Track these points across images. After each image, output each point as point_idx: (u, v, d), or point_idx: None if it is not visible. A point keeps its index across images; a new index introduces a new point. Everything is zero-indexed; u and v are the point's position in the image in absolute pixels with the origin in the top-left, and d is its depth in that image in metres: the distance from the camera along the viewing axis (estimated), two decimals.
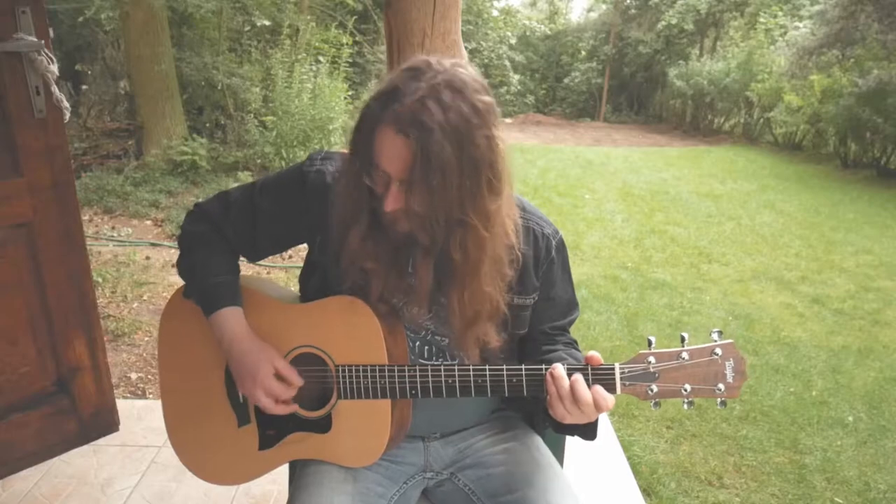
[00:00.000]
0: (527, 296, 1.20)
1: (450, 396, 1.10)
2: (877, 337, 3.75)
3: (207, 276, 1.19)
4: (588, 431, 1.13)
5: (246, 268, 1.07)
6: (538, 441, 1.29)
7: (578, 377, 1.02)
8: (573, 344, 1.27)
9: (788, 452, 2.59)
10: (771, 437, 2.69)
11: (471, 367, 1.08)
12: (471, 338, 1.11)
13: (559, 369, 1.03)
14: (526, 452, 1.24)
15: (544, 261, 1.21)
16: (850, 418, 2.86)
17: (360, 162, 1.01)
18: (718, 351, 1.02)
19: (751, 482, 2.39)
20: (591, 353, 1.05)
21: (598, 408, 1.01)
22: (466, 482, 1.24)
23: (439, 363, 1.19)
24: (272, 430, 1.20)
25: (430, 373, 1.09)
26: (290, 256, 4.32)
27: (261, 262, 3.81)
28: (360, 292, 1.12)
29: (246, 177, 6.11)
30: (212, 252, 1.22)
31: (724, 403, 1.04)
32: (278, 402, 1.13)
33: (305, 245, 1.25)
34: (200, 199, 1.29)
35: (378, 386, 1.11)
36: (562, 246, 1.25)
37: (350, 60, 7.56)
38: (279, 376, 1.14)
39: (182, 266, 1.24)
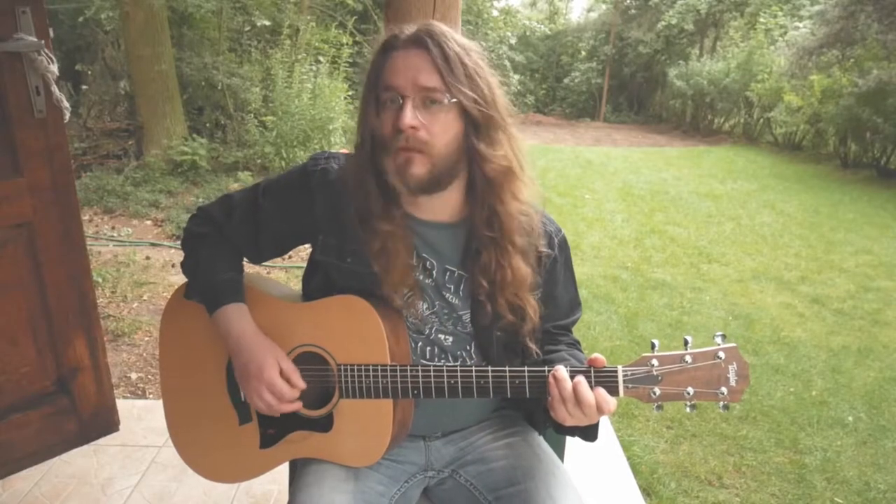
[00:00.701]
0: (531, 293, 1.20)
1: (452, 397, 1.10)
2: (877, 337, 3.75)
3: (211, 275, 1.19)
4: (589, 433, 1.12)
5: (246, 267, 1.09)
6: (539, 437, 1.29)
7: (581, 379, 1.01)
8: (576, 345, 1.27)
9: (788, 452, 2.59)
10: (771, 437, 2.69)
11: (473, 368, 1.08)
12: (513, 263, 1.12)
13: (562, 371, 1.02)
14: (527, 447, 1.24)
15: (547, 258, 1.21)
16: (850, 418, 2.86)
17: (372, 94, 1.06)
18: (722, 354, 1.02)
19: (751, 482, 2.39)
20: (595, 355, 1.04)
21: (600, 410, 1.01)
22: (468, 478, 1.24)
23: (441, 364, 1.19)
24: (273, 429, 1.20)
25: (432, 373, 1.09)
26: (290, 257, 4.32)
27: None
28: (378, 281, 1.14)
29: (246, 177, 6.11)
30: (215, 252, 1.22)
31: (726, 407, 1.04)
32: (282, 401, 1.13)
33: (307, 246, 1.25)
34: (201, 199, 1.31)
35: (380, 386, 1.11)
36: (564, 244, 1.25)
37: (350, 60, 7.56)
38: (283, 377, 1.13)
39: (186, 266, 1.24)
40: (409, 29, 1.07)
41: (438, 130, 1.04)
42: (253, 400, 1.14)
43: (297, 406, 1.15)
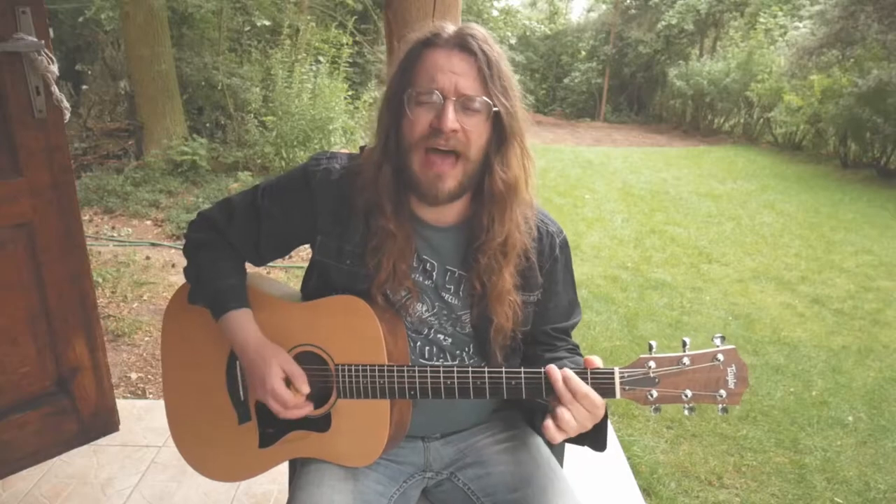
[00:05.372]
0: (530, 292, 1.20)
1: (448, 398, 1.10)
2: (877, 337, 3.75)
3: (214, 280, 1.19)
4: (598, 441, 1.11)
5: (247, 267, 1.11)
6: (538, 441, 1.29)
7: (569, 371, 1.01)
8: (576, 349, 1.27)
9: (788, 452, 2.59)
10: (771, 437, 2.69)
11: (469, 369, 1.08)
12: (506, 274, 1.13)
13: (554, 369, 1.02)
14: (526, 452, 1.24)
15: (549, 258, 1.21)
16: (850, 418, 2.86)
17: (403, 89, 1.05)
18: (720, 357, 1.01)
19: (751, 482, 2.39)
20: (589, 357, 1.04)
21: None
22: (466, 482, 1.24)
23: (439, 364, 1.19)
24: (272, 428, 1.21)
25: (428, 374, 1.09)
26: (291, 257, 4.32)
27: None
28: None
29: (246, 177, 6.11)
30: (217, 257, 1.22)
31: (725, 410, 1.03)
32: (286, 408, 1.12)
33: (308, 246, 1.25)
34: (201, 199, 1.31)
35: (377, 386, 1.11)
36: (565, 245, 1.25)
37: (350, 60, 7.56)
38: (288, 381, 1.13)
39: (188, 273, 1.24)
40: (450, 29, 1.07)
41: (475, 136, 1.05)
42: (267, 404, 1.14)
43: (306, 410, 1.14)
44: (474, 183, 1.10)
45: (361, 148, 1.21)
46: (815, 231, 6.01)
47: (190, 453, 1.30)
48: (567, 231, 1.26)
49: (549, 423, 1.01)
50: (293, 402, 1.12)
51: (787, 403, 2.95)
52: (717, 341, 1.02)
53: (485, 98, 1.04)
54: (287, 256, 1.35)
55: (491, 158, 1.08)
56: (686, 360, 1.01)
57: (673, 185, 7.98)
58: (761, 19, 12.93)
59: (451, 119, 1.01)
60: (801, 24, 11.74)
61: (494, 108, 1.04)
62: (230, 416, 1.23)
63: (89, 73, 7.89)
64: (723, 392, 1.01)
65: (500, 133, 1.07)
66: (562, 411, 1.00)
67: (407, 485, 1.24)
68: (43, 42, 1.83)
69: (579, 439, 1.11)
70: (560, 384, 1.01)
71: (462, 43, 1.04)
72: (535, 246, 1.18)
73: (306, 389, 1.13)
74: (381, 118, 1.11)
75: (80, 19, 7.07)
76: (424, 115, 1.04)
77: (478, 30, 1.07)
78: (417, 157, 1.06)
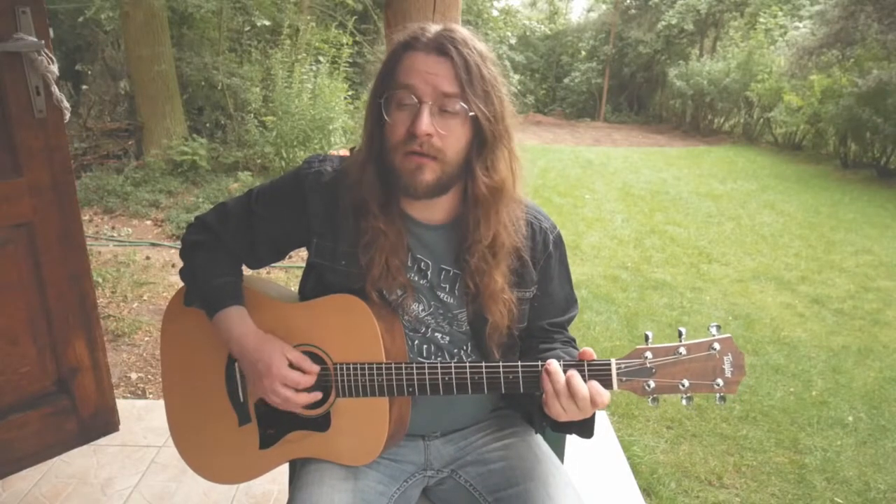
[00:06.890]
0: (525, 289, 1.21)
1: (447, 394, 1.10)
2: (877, 337, 3.75)
3: (209, 279, 1.20)
4: (585, 429, 1.12)
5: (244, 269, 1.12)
6: (538, 437, 1.29)
7: (574, 373, 1.01)
8: (571, 342, 1.27)
9: (788, 452, 2.59)
10: (771, 437, 2.68)
11: (467, 365, 1.09)
12: (497, 275, 1.12)
13: (554, 364, 1.03)
14: (526, 448, 1.24)
15: (542, 254, 1.21)
16: (850, 418, 2.86)
17: (385, 90, 1.06)
18: (716, 346, 1.01)
19: (751, 482, 2.39)
20: (584, 348, 1.05)
21: (593, 403, 1.00)
22: (467, 479, 1.24)
23: (437, 361, 1.19)
24: (272, 429, 1.21)
25: (426, 370, 1.09)
26: (290, 257, 4.31)
27: None
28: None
29: (246, 177, 6.11)
30: (213, 257, 1.23)
31: (723, 399, 1.03)
32: (299, 390, 1.12)
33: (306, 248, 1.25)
34: (200, 199, 1.31)
35: (375, 384, 1.11)
36: (559, 241, 1.25)
37: (350, 60, 7.54)
38: (292, 366, 1.13)
39: (184, 274, 1.25)
40: (431, 31, 1.06)
41: (451, 140, 1.04)
42: (270, 398, 1.13)
43: (317, 396, 1.14)
44: (455, 183, 1.10)
45: (351, 149, 1.21)
46: (815, 231, 6.01)
47: (191, 457, 1.30)
48: (567, 231, 1.26)
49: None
50: (305, 381, 1.12)
51: (787, 403, 2.95)
52: (713, 330, 1.02)
53: (461, 103, 1.03)
54: (287, 256, 1.35)
55: (472, 163, 1.08)
56: (682, 350, 1.01)
57: (673, 185, 7.98)
58: (761, 19, 12.93)
59: (426, 123, 1.01)
60: (801, 24, 11.74)
61: (471, 114, 1.04)
62: (230, 419, 1.23)
63: (89, 73, 7.89)
64: (720, 381, 1.01)
65: (481, 137, 1.07)
66: (554, 402, 1.02)
67: (408, 484, 1.25)
68: (43, 42, 1.83)
69: (566, 427, 1.12)
70: (560, 385, 1.01)
71: (440, 47, 1.03)
72: (528, 244, 1.18)
73: (315, 368, 1.13)
74: (367, 119, 1.12)
75: (80, 19, 7.06)
76: (402, 120, 1.04)
77: (459, 31, 1.06)
78: (398, 157, 1.06)
